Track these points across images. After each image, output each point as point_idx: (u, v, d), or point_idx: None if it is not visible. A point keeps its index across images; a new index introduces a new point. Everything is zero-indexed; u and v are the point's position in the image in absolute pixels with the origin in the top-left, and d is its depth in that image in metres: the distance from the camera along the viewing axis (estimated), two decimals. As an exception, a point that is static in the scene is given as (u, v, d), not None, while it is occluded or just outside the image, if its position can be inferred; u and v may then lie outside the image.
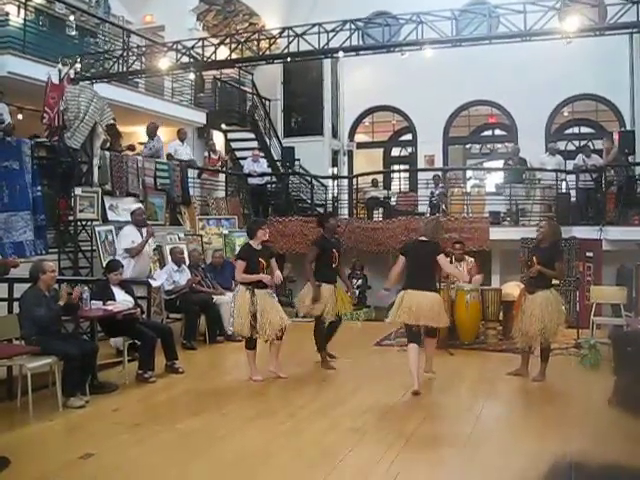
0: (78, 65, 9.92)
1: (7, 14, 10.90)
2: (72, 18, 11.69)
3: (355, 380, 7.30)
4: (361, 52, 9.58)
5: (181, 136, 12.90)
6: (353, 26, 9.05)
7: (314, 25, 9.13)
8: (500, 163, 17.19)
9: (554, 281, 7.33)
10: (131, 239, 8.50)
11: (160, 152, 12.01)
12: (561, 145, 16.59)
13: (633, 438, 5.25)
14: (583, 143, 15.51)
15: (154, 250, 9.82)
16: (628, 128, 14.53)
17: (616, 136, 13.57)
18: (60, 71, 9.59)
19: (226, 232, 12.30)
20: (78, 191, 9.10)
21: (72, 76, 9.65)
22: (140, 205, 9.11)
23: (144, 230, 8.69)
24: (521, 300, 7.24)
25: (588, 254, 11.27)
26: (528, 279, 7.24)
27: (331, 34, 9.05)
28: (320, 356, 7.93)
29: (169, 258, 9.83)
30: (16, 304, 6.50)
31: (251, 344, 7.22)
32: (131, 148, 11.11)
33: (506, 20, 8.36)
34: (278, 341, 7.23)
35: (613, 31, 8.33)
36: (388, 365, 8.02)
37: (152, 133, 12.01)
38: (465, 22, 9.16)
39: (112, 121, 9.91)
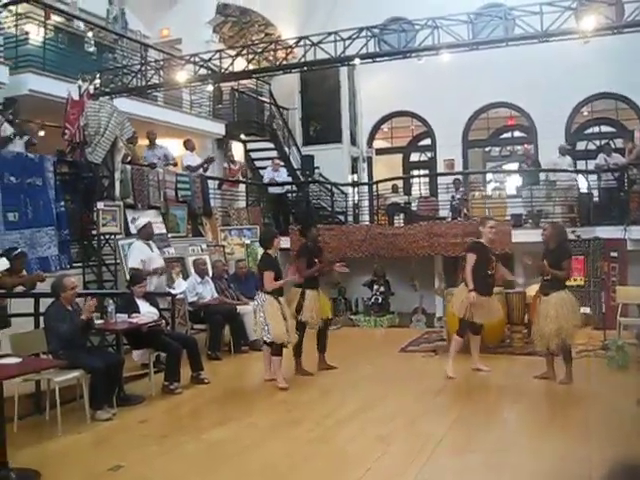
0: (97, 81, 10.02)
1: (27, 33, 11.05)
2: (90, 35, 11.83)
3: (381, 387, 7.28)
4: (378, 59, 9.57)
5: (189, 146, 12.88)
6: (369, 33, 9.05)
7: (330, 34, 9.14)
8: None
9: (573, 281, 7.39)
10: (140, 257, 8.49)
11: (168, 156, 11.92)
12: (581, 145, 16.47)
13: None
14: (604, 142, 15.35)
15: (177, 261, 9.90)
16: (650, 125, 14.38)
17: (637, 134, 13.42)
18: (80, 87, 9.69)
19: (248, 242, 12.35)
20: (100, 205, 9.18)
21: (92, 92, 9.74)
22: (148, 219, 9.15)
23: (153, 244, 8.78)
24: (536, 303, 7.29)
25: (613, 254, 11.15)
26: (542, 282, 7.26)
27: (347, 42, 9.06)
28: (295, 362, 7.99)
29: (192, 270, 9.86)
30: (42, 318, 6.56)
31: (280, 350, 7.29)
32: (152, 166, 11.16)
33: (522, 22, 8.31)
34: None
35: (631, 29, 8.25)
36: (414, 371, 8.00)
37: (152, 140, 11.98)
38: (481, 25, 9.14)
39: (132, 134, 10.05)
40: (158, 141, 12.04)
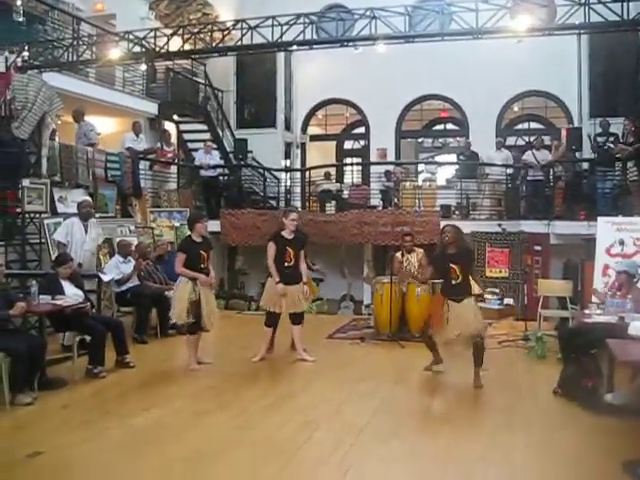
0: (26, 53, 9.70)
1: (-50, -2, 10.60)
2: (19, 3, 11.39)
3: (307, 374, 7.34)
4: (315, 46, 9.57)
5: (136, 130, 12.77)
6: (307, 20, 9.04)
7: (268, 18, 9.10)
8: (451, 157, 17.45)
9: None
10: (66, 234, 8.41)
11: (90, 135, 11.50)
12: (511, 140, 16.89)
13: (575, 426, 5.42)
14: (533, 138, 15.79)
15: (104, 242, 9.70)
16: (575, 125, 14.85)
17: (564, 133, 13.84)
18: (7, 59, 9.37)
19: (177, 225, 12.22)
20: (26, 182, 8.94)
21: (19, 64, 9.43)
22: (87, 197, 8.97)
23: (93, 226, 8.63)
24: (440, 306, 6.91)
25: (536, 248, 11.49)
26: (449, 286, 6.87)
27: (285, 27, 9.03)
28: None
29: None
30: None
31: (194, 328, 7.38)
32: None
33: (458, 17, 8.46)
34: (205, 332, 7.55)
35: (561, 31, 8.49)
36: (340, 358, 8.08)
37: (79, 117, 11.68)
38: (418, 18, 9.25)
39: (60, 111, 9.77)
40: (88, 118, 11.72)
